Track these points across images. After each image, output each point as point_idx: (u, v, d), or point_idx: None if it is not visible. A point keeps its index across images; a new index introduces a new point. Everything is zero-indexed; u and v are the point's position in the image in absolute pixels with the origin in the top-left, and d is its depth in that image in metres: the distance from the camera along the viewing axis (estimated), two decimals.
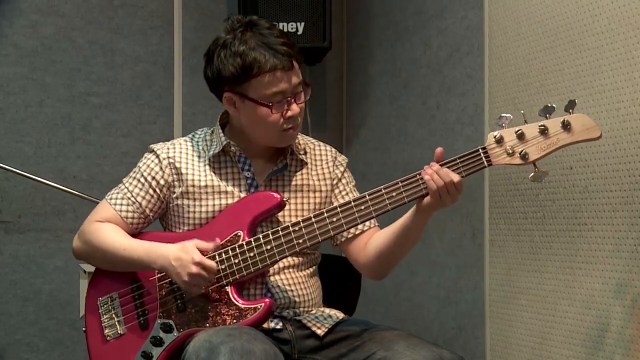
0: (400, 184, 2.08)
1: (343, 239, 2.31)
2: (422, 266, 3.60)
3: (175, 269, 2.15)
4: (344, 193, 2.36)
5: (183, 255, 2.15)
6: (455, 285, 3.41)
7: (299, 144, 2.39)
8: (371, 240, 2.28)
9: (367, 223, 2.30)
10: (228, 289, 2.22)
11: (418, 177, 2.08)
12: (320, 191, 2.34)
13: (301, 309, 2.34)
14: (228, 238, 2.26)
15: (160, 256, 2.19)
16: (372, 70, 3.94)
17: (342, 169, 2.39)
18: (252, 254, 2.22)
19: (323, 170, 2.38)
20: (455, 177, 2.06)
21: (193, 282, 2.14)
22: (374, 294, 3.86)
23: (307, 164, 2.35)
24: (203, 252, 2.18)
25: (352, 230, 2.28)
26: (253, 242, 2.24)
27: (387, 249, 2.22)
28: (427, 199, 2.10)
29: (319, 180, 2.36)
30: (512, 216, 3.03)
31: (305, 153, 2.38)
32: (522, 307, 2.95)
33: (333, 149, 2.44)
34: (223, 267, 2.23)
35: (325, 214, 2.16)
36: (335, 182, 2.36)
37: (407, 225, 2.15)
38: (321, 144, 2.43)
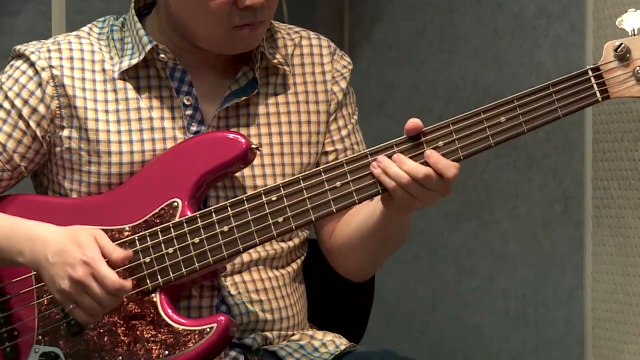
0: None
1: None
2: (479, 260, 3.21)
3: (52, 269, 1.82)
4: (342, 134, 2.06)
5: (71, 247, 1.81)
6: (534, 293, 3.10)
7: (275, 37, 2.05)
8: (344, 219, 2.04)
9: None
10: (155, 297, 1.85)
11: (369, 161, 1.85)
12: (309, 125, 2.03)
13: (275, 333, 1.97)
14: (156, 211, 1.89)
15: (31, 242, 1.86)
16: None
17: (344, 84, 2.05)
18: (196, 240, 1.85)
19: (315, 84, 2.04)
20: (450, 170, 1.80)
21: (73, 293, 1.80)
22: (397, 306, 3.47)
23: (288, 74, 2.01)
24: (109, 256, 1.82)
25: None
26: (199, 220, 1.87)
27: (356, 239, 2.00)
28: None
29: (308, 102, 2.03)
30: (631, 176, 2.74)
31: (286, 55, 2.03)
32: None
33: (331, 43, 2.09)
34: (147, 259, 1.85)
35: (323, 174, 1.81)
36: (332, 107, 2.04)
37: (372, 218, 1.94)
38: (311, 34, 2.08)
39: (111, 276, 1.77)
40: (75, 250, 1.80)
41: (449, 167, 1.80)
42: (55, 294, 1.79)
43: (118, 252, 1.81)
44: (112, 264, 1.80)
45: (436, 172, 1.81)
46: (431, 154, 1.80)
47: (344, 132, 2.03)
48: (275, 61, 1.97)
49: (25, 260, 1.83)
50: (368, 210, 1.96)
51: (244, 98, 1.94)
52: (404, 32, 3.57)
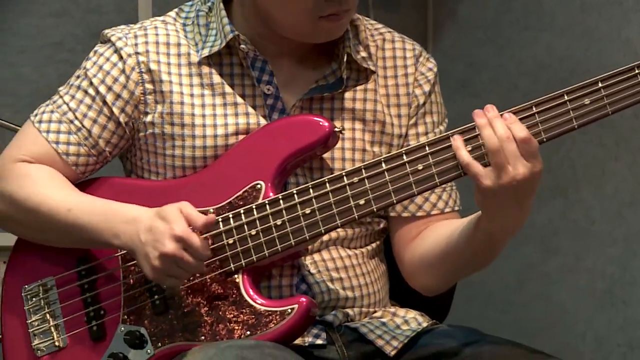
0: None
1: (393, 214, 2.03)
2: (564, 239, 3.22)
3: (144, 248, 1.83)
4: (420, 141, 1.94)
5: (158, 223, 1.83)
6: (621, 272, 3.10)
7: (361, 37, 2.01)
8: (425, 233, 2.01)
9: (427, 205, 2.01)
10: (238, 278, 1.86)
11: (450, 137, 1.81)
12: (392, 127, 2.00)
13: (357, 310, 1.96)
14: (239, 193, 1.89)
15: (127, 224, 1.88)
16: None
17: (427, 87, 2.01)
18: (279, 221, 1.85)
19: (397, 87, 2.01)
20: (521, 131, 1.75)
21: (166, 269, 1.82)
22: (481, 285, 3.47)
23: (373, 73, 1.98)
24: (194, 223, 1.84)
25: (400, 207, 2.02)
26: (282, 202, 1.86)
27: (434, 255, 1.97)
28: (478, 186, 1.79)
29: (389, 106, 2.01)
30: None
31: (370, 55, 2.00)
32: None
33: (416, 45, 2.06)
34: (231, 241, 1.86)
35: (405, 157, 1.79)
36: (412, 110, 2.01)
37: (471, 224, 1.88)
38: (396, 35, 2.05)
39: (203, 245, 1.81)
40: (163, 225, 1.82)
41: (522, 129, 1.76)
42: (149, 272, 1.83)
43: (203, 219, 1.83)
44: (198, 231, 1.84)
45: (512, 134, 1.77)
46: (509, 116, 1.77)
47: (422, 139, 1.98)
48: (361, 61, 1.97)
49: (120, 243, 1.87)
50: (459, 222, 1.95)
51: (328, 94, 1.95)
52: (489, 10, 3.52)
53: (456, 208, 2.01)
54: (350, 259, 1.95)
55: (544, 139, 1.76)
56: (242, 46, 1.93)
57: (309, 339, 1.89)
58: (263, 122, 1.93)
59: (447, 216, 2.00)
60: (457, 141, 1.78)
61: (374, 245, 1.99)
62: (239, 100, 1.94)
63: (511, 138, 1.75)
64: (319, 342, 1.88)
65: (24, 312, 1.96)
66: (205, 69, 1.95)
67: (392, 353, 1.87)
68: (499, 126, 1.76)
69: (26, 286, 1.97)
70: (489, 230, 1.84)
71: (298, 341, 1.86)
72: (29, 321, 1.95)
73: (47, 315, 1.94)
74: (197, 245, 1.80)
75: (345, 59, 1.94)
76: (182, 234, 1.80)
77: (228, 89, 1.96)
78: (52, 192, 1.95)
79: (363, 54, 2.00)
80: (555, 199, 3.02)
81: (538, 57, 3.27)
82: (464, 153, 1.78)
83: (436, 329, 1.95)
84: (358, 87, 1.98)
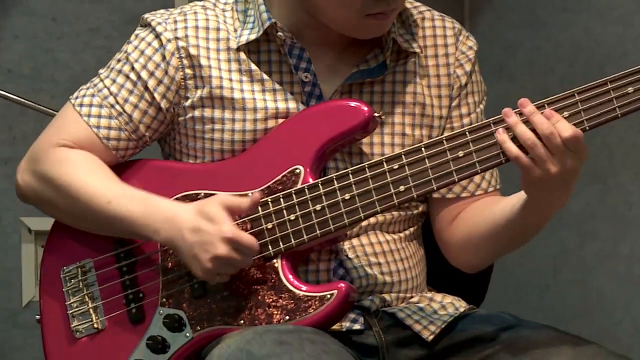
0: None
1: (437, 195, 2.04)
2: (602, 224, 3.20)
3: (192, 249, 1.84)
4: (464, 122, 2.02)
5: (205, 225, 1.83)
6: None
7: (402, 19, 2.00)
8: (469, 213, 2.01)
9: (471, 186, 2.02)
10: (277, 263, 1.86)
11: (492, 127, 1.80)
12: (432, 108, 1.99)
13: (394, 295, 1.96)
14: (278, 178, 1.89)
15: (167, 222, 1.88)
16: None
17: (468, 66, 2.00)
18: (318, 207, 1.85)
19: (438, 68, 2.00)
20: (567, 130, 1.73)
21: (218, 269, 1.83)
22: (517, 270, 3.50)
23: (415, 54, 1.97)
24: (240, 211, 1.85)
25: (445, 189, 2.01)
26: (321, 187, 1.86)
27: (479, 234, 1.97)
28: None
29: (430, 87, 2.00)
30: None
31: (413, 37, 1.98)
32: None
33: (456, 23, 2.05)
34: (270, 226, 1.87)
35: (445, 143, 1.79)
36: (455, 91, 2.00)
37: (513, 206, 1.89)
38: (435, 14, 2.04)
39: (253, 243, 1.82)
40: (210, 227, 1.83)
41: (567, 128, 1.74)
42: (198, 272, 1.84)
43: (246, 203, 1.84)
44: (246, 214, 1.86)
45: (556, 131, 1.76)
46: (551, 114, 1.76)
47: (465, 120, 2.00)
48: (405, 45, 1.96)
49: (160, 238, 1.88)
50: (505, 201, 1.94)
51: (368, 80, 1.95)
52: None
53: (498, 187, 2.01)
54: (388, 243, 1.95)
55: (587, 128, 1.74)
56: (280, 34, 1.93)
57: (346, 324, 1.88)
58: (302, 107, 1.93)
59: (490, 195, 2.01)
60: (502, 135, 1.77)
61: (412, 229, 1.99)
62: (277, 87, 1.94)
63: (555, 134, 1.74)
64: (357, 327, 1.88)
65: (62, 293, 1.97)
66: (244, 56, 1.95)
67: (430, 338, 1.87)
68: (539, 122, 1.76)
69: (65, 267, 1.98)
70: (535, 210, 1.84)
71: (336, 326, 1.86)
72: (68, 302, 1.96)
73: (86, 297, 1.95)
74: (248, 244, 1.81)
75: (391, 45, 1.93)
76: (233, 236, 1.81)
77: (266, 75, 1.96)
78: (93, 182, 1.95)
79: (407, 36, 1.99)
80: (592, 184, 3.00)
81: (575, 39, 3.24)
82: (511, 146, 1.76)
83: (473, 314, 1.95)
84: (398, 70, 1.96)
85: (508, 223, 1.90)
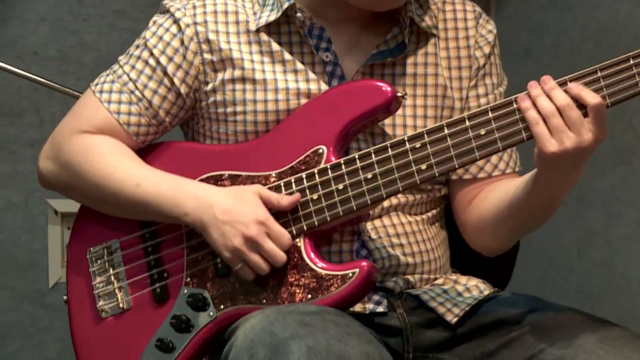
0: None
1: (454, 176, 2.03)
2: (628, 206, 3.15)
3: (221, 227, 1.83)
4: (481, 102, 2.00)
5: (239, 206, 1.83)
6: None
7: (421, 2, 1.99)
8: (485, 194, 1.99)
9: (488, 166, 2.01)
10: (300, 242, 1.85)
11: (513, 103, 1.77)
12: (452, 90, 1.98)
13: (417, 277, 1.95)
14: (302, 158, 1.89)
15: (197, 202, 1.87)
16: None
17: (487, 49, 1.99)
18: (340, 186, 1.84)
19: (458, 50, 1.99)
20: (592, 99, 1.69)
21: (244, 251, 1.82)
22: (543, 253, 3.48)
23: (435, 36, 1.97)
24: (269, 205, 1.85)
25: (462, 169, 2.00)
26: (343, 166, 1.85)
27: (491, 216, 1.96)
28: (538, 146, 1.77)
29: (451, 68, 2.00)
30: None
31: (431, 18, 1.97)
32: None
33: (476, 6, 2.04)
34: None
35: (467, 121, 1.77)
36: (473, 72, 1.99)
37: (529, 184, 1.86)
38: None
39: (286, 233, 1.81)
40: (246, 209, 1.82)
41: (592, 97, 1.71)
42: (225, 251, 1.83)
43: (286, 200, 1.84)
44: (282, 211, 1.84)
45: (579, 100, 1.73)
46: (575, 85, 1.73)
47: (482, 101, 1.98)
48: (424, 25, 1.95)
49: (189, 219, 1.86)
50: (518, 182, 1.92)
51: (389, 59, 1.93)
52: None
53: (517, 169, 1.99)
54: (410, 225, 1.94)
55: (609, 104, 1.71)
56: (298, 14, 1.91)
57: (370, 306, 1.88)
58: (324, 87, 1.92)
59: (507, 176, 1.99)
60: (526, 102, 1.74)
61: (434, 211, 1.98)
62: (299, 67, 1.93)
63: (572, 105, 1.72)
64: (380, 309, 1.89)
65: (89, 274, 1.98)
66: (264, 37, 1.94)
67: (454, 321, 1.87)
68: (558, 95, 1.73)
69: (91, 248, 1.98)
70: (547, 190, 1.82)
71: (359, 308, 1.87)
72: (94, 283, 1.97)
73: (112, 278, 1.96)
74: (279, 232, 1.80)
75: (408, 23, 1.91)
76: (265, 220, 1.80)
77: (287, 56, 1.95)
78: (120, 167, 1.94)
79: (425, 17, 1.96)
80: (618, 166, 2.95)
81: (601, 21, 3.19)
82: (533, 112, 1.73)
83: (498, 296, 1.95)
84: (419, 51, 1.95)
85: (522, 204, 1.89)
